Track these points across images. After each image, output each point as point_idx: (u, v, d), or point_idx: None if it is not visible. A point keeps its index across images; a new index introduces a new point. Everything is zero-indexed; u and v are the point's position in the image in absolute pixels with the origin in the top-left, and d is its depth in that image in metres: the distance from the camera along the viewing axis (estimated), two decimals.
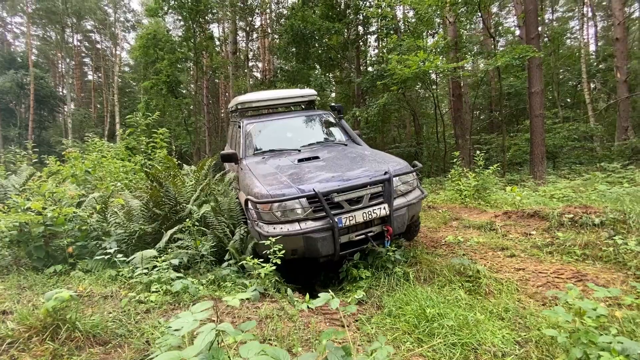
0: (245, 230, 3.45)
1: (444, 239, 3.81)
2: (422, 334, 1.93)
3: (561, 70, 17.91)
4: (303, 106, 5.30)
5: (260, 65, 25.27)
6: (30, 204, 3.09)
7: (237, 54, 15.84)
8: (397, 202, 3.05)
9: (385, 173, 3.01)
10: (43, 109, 29.43)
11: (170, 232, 3.30)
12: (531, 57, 7.52)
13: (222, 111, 30.70)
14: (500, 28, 9.99)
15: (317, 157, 3.58)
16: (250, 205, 2.93)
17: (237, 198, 3.83)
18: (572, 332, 1.50)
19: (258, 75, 24.22)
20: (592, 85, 17.13)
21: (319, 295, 1.46)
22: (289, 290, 2.42)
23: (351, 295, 2.60)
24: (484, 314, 2.25)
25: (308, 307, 2.17)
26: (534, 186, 7.20)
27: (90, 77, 35.84)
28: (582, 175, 8.54)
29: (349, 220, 2.80)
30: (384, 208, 2.90)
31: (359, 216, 2.84)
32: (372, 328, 2.03)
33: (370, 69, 13.30)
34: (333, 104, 4.73)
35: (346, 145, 4.18)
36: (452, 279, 2.87)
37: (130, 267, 2.89)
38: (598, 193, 5.13)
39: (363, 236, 2.93)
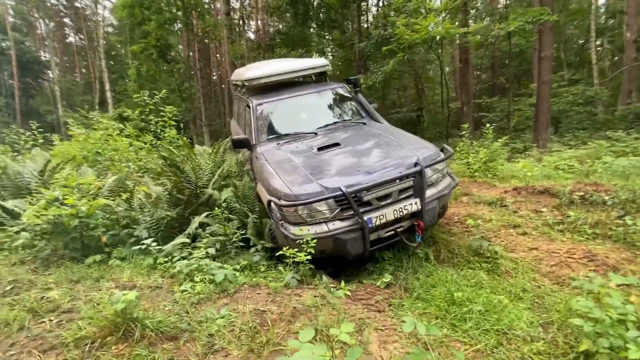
0: (255, 218, 3.53)
1: (456, 217, 3.97)
2: (455, 319, 2.12)
3: (570, 27, 17.25)
4: (313, 77, 4.94)
5: (253, 24, 23.96)
6: (58, 194, 3.15)
7: (231, 14, 14.94)
8: (428, 193, 2.88)
9: (416, 164, 2.83)
10: (27, 75, 28.14)
11: (198, 218, 3.40)
12: (545, 20, 7.25)
13: (214, 75, 29.58)
14: None
15: (337, 144, 3.39)
16: (273, 205, 2.82)
17: (255, 186, 3.76)
18: (596, 321, 1.67)
19: (251, 35, 23.06)
20: (599, 43, 16.59)
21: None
22: (324, 278, 2.59)
23: (379, 278, 2.78)
24: (505, 295, 2.45)
25: (345, 294, 2.36)
26: (539, 155, 7.32)
27: (72, 39, 33.85)
28: (585, 143, 8.64)
29: (379, 220, 2.69)
30: (416, 203, 2.77)
31: (390, 214, 2.72)
32: (407, 313, 2.22)
33: (372, 30, 12.70)
34: (349, 77, 4.48)
35: (365, 124, 4.00)
36: (470, 260, 3.06)
37: (166, 255, 3.02)
38: (604, 165, 5.26)
39: (392, 232, 2.85)
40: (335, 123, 4.06)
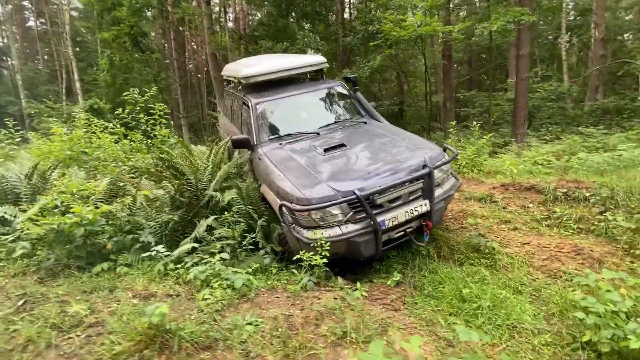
0: (264, 221, 3.56)
1: (451, 213, 4.18)
2: (467, 315, 2.30)
3: (542, 24, 17.99)
4: (308, 75, 4.85)
5: (231, 12, 23.22)
6: (58, 201, 3.05)
7: (211, 4, 14.43)
8: (436, 194, 2.98)
9: (424, 166, 2.90)
10: None
11: (205, 222, 3.39)
12: (525, 21, 7.57)
13: (190, 64, 28.52)
14: None
15: (343, 145, 3.42)
16: (284, 210, 2.84)
17: (259, 187, 3.73)
18: (597, 314, 1.88)
19: (230, 24, 22.37)
20: (567, 39, 17.42)
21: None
22: (340, 279, 2.69)
23: (388, 277, 2.92)
24: (506, 290, 2.66)
25: (362, 294, 2.48)
26: (518, 150, 7.73)
27: (32, 24, 31.42)
28: (559, 137, 9.19)
29: (392, 222, 2.77)
30: (425, 204, 2.88)
31: (401, 216, 2.81)
32: (423, 311, 2.37)
33: (356, 24, 12.72)
34: (348, 75, 4.49)
35: (366, 122, 4.03)
36: (470, 256, 3.27)
37: (174, 260, 3.01)
38: (579, 161, 5.66)
39: (402, 232, 2.93)
40: (336, 122, 4.08)
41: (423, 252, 3.33)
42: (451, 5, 9.28)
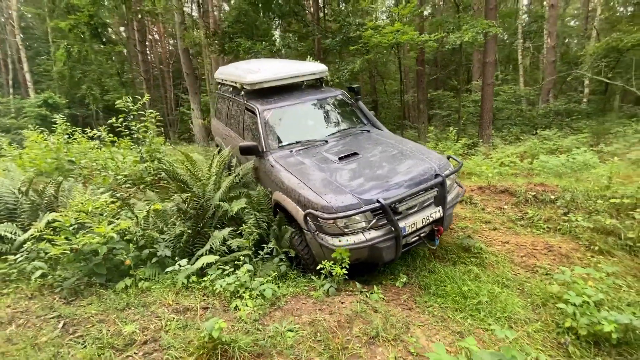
0: (275, 228, 3.75)
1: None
2: (471, 310, 2.71)
3: (500, 29, 19.35)
4: (305, 82, 4.89)
5: (193, 5, 22.33)
6: (73, 219, 3.06)
7: None
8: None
9: (437, 175, 3.11)
10: None
11: (220, 234, 3.52)
12: (492, 32, 8.26)
13: (150, 56, 27.09)
14: None
15: (356, 153, 3.52)
16: (309, 217, 2.91)
17: (270, 194, 3.80)
18: (575, 305, 2.35)
19: (195, 14, 21.53)
20: (522, 43, 18.87)
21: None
22: (357, 284, 3.00)
23: (396, 279, 3.28)
24: (496, 285, 3.13)
25: (380, 297, 2.81)
26: (486, 151, 8.48)
27: None
28: (519, 138, 10.15)
29: (411, 228, 2.95)
30: (439, 211, 3.10)
31: (419, 222, 3.00)
32: (434, 309, 2.75)
33: (331, 24, 12.94)
34: (351, 85, 4.59)
35: (369, 131, 4.20)
36: (460, 256, 3.71)
37: (194, 272, 3.15)
38: (541, 164, 6.40)
39: (417, 237, 3.12)
40: (342, 130, 4.21)
41: (420, 254, 3.73)
42: (424, 14, 9.83)
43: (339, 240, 2.82)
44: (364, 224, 2.88)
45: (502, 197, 5.02)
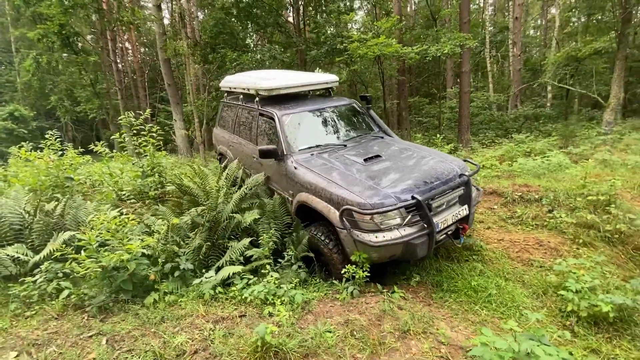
0: (294, 233, 3.90)
1: None
2: (483, 302, 3.00)
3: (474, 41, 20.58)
4: (310, 92, 5.10)
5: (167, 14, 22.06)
6: (98, 238, 3.08)
7: (161, 6, 13.76)
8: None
9: (461, 175, 3.27)
10: None
11: (239, 245, 3.64)
12: (468, 45, 8.89)
13: (121, 64, 26.34)
14: (440, 13, 11.17)
15: (379, 156, 3.63)
16: (345, 214, 2.94)
17: (291, 196, 3.81)
18: (575, 291, 2.69)
19: (166, 20, 21.24)
20: (489, 51, 20.14)
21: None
22: (379, 285, 3.22)
23: (410, 278, 3.52)
24: (499, 279, 3.45)
25: (400, 296, 3.05)
26: (467, 155, 9.04)
27: None
28: (494, 142, 10.85)
29: (443, 224, 3.03)
30: (465, 209, 3.25)
31: (449, 219, 3.10)
32: (451, 303, 3.02)
33: (311, 35, 13.28)
34: (363, 94, 4.84)
35: (383, 137, 4.35)
36: (463, 254, 4.04)
37: (219, 283, 3.25)
38: (520, 166, 6.96)
39: (445, 235, 3.21)
40: (358, 136, 4.35)
41: None
42: (403, 29, 10.41)
43: (375, 237, 2.87)
44: (398, 221, 2.94)
45: (491, 198, 5.44)
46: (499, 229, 4.60)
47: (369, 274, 3.08)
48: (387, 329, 2.55)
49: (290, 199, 3.89)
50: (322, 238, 3.38)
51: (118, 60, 25.05)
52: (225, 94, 5.83)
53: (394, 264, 3.91)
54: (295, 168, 3.73)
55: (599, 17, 13.30)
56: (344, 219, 2.98)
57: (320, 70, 6.36)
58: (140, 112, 5.71)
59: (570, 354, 1.54)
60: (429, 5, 10.31)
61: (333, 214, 3.10)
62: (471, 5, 22.05)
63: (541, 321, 2.64)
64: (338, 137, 4.27)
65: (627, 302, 2.43)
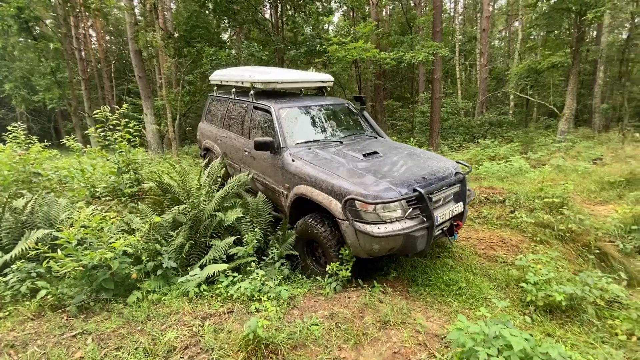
0: (279, 231, 4.00)
1: None
2: (454, 294, 3.26)
3: (446, 50, 21.55)
4: (302, 90, 5.14)
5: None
6: (77, 236, 3.01)
7: None
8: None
9: (456, 173, 3.40)
10: None
11: (221, 243, 3.68)
12: (441, 54, 9.37)
13: (84, 53, 24.85)
14: (415, 20, 11.64)
15: (376, 153, 3.67)
16: (348, 204, 2.93)
17: (287, 189, 3.77)
18: (533, 283, 3.02)
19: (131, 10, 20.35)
20: (458, 59, 21.19)
21: None
22: (360, 281, 3.40)
23: (388, 274, 3.74)
24: (468, 273, 3.76)
25: (380, 290, 3.26)
26: None
27: None
28: (461, 146, 11.50)
29: (442, 218, 3.08)
30: (460, 206, 3.35)
31: (447, 214, 3.17)
32: (425, 296, 3.25)
33: (289, 34, 13.34)
34: (357, 95, 4.87)
35: (377, 137, 4.43)
36: (435, 251, 4.33)
37: (203, 281, 3.28)
38: (485, 169, 7.48)
39: (441, 231, 3.26)
40: (354, 134, 4.40)
41: None
42: (380, 35, 10.78)
43: (378, 228, 2.88)
44: (399, 213, 2.96)
45: None
46: (467, 228, 4.95)
47: (351, 273, 3.24)
48: (369, 321, 2.72)
49: (285, 192, 3.88)
50: (320, 227, 3.37)
51: (82, 48, 23.59)
52: (215, 88, 5.74)
53: (373, 261, 4.12)
54: (293, 160, 3.70)
55: (557, 33, 14.46)
56: (346, 209, 2.96)
57: (313, 69, 6.41)
58: (106, 104, 5.50)
59: (530, 335, 1.77)
60: (404, 13, 10.75)
61: (334, 206, 3.09)
62: (442, 15, 23.14)
63: (505, 309, 2.93)
64: (334, 135, 4.30)
65: (577, 292, 2.78)
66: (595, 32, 14.75)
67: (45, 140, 5.84)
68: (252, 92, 4.59)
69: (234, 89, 5.16)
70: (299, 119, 4.27)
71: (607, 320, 2.85)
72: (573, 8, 8.98)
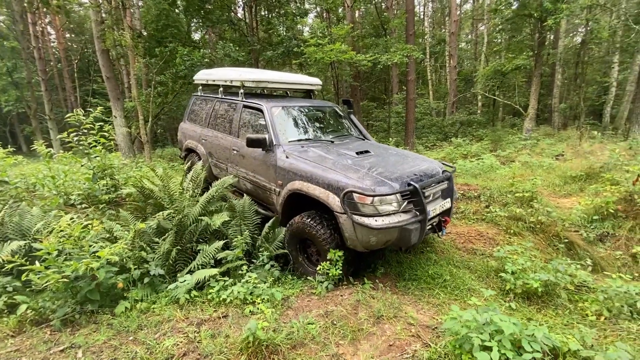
0: (268, 231, 3.99)
1: None
2: (440, 287, 3.42)
3: (420, 52, 22.25)
4: (288, 93, 5.29)
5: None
6: (58, 246, 2.87)
7: None
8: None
9: (444, 172, 3.60)
10: None
11: (209, 248, 3.63)
12: (415, 56, 9.69)
13: (42, 51, 23.42)
14: (389, 24, 11.95)
15: (368, 151, 3.82)
16: (345, 197, 2.99)
17: (280, 186, 3.80)
18: (512, 272, 3.24)
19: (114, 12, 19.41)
20: (428, 60, 21.95)
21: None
22: (350, 278, 3.48)
23: (376, 270, 3.85)
24: (451, 266, 3.95)
25: (371, 286, 3.36)
26: None
27: None
28: (435, 145, 11.94)
29: (433, 212, 3.22)
30: (448, 202, 3.55)
31: (437, 209, 3.33)
32: (414, 291, 3.39)
33: (263, 35, 13.27)
34: (346, 98, 5.02)
35: (364, 139, 4.59)
36: (418, 246, 4.50)
37: (193, 287, 3.23)
38: (459, 167, 7.83)
39: (431, 226, 3.39)
40: (343, 135, 4.54)
41: (388, 248, 4.39)
42: (356, 37, 10.98)
43: (375, 220, 2.97)
44: (395, 207, 3.06)
45: None
46: None
47: (341, 272, 3.32)
48: (363, 317, 2.81)
49: (277, 189, 3.90)
50: (314, 224, 3.42)
51: (40, 47, 22.15)
52: (200, 87, 5.63)
53: (361, 259, 4.21)
54: (287, 157, 3.75)
55: (520, 38, 15.37)
56: (344, 202, 3.03)
57: (299, 72, 6.43)
58: (69, 106, 5.27)
59: (518, 320, 1.92)
60: (379, 16, 11.02)
61: (332, 199, 3.16)
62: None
63: (490, 298, 3.13)
64: (324, 135, 4.40)
65: (551, 279, 3.02)
66: (553, 37, 15.83)
67: (9, 146, 5.49)
68: (242, 90, 4.59)
69: (221, 88, 5.11)
70: (290, 118, 4.34)
71: (577, 303, 3.11)
72: (535, 14, 9.61)
